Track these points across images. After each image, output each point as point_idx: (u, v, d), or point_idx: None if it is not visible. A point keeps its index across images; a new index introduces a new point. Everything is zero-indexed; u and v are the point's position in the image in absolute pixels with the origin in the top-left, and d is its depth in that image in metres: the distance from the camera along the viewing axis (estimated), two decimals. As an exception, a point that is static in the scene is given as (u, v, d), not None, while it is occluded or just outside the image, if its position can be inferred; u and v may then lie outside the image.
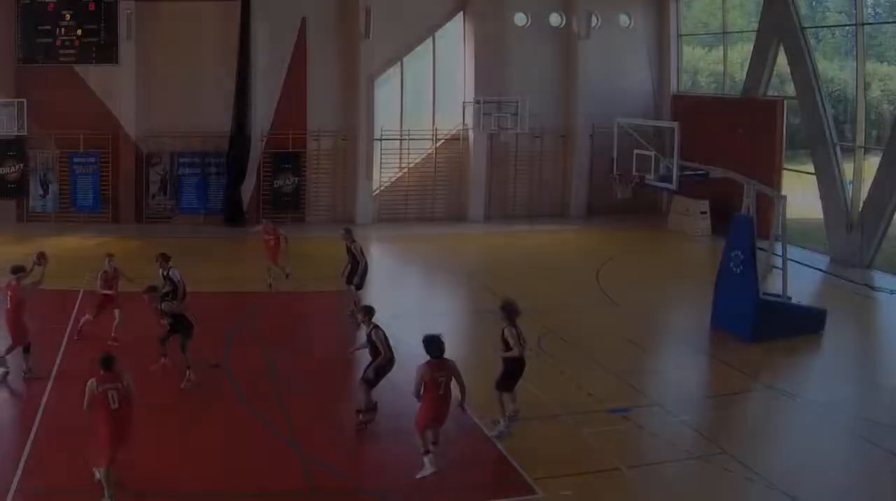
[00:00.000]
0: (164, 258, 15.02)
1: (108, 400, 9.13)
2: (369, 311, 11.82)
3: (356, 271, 16.42)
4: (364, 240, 23.96)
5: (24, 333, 12.98)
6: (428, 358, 10.15)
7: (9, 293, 13.02)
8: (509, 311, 11.28)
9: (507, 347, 11.18)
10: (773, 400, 13.06)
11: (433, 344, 10.19)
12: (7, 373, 12.93)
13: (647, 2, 28.69)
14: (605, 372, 13.99)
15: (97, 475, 9.37)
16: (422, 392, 10.05)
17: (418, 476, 9.97)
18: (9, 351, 13.00)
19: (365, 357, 12.02)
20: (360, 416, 11.62)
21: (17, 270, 13.34)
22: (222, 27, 25.33)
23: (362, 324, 11.82)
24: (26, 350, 13.01)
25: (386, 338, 11.57)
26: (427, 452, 10.05)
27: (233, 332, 15.37)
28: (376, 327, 11.62)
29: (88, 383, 9.19)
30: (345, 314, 16.42)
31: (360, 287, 16.46)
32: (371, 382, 11.59)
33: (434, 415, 10.08)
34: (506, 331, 11.16)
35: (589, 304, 18.04)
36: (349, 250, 16.55)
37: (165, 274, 14.91)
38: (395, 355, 11.63)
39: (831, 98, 23.44)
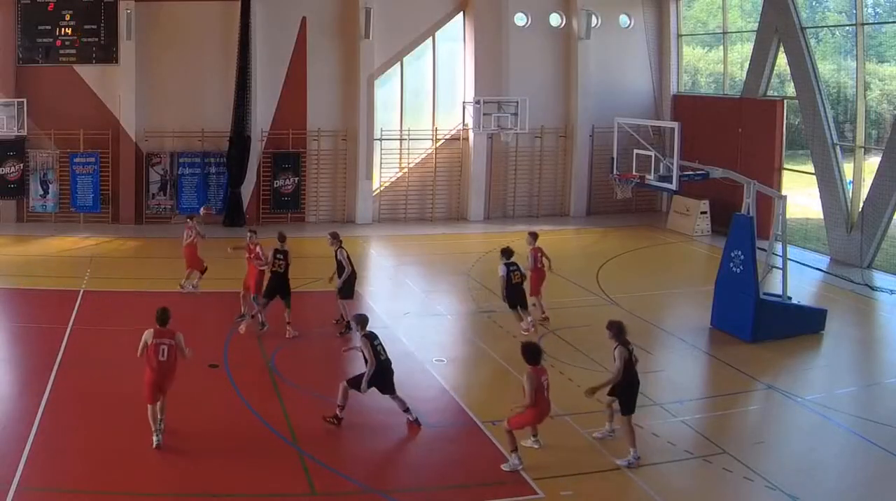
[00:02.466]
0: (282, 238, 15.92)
1: (159, 352, 10.66)
2: (362, 320, 11.85)
3: (341, 279, 15.70)
4: (364, 240, 24.14)
5: (199, 262, 18.09)
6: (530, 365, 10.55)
7: (187, 231, 17.98)
8: (617, 331, 11.11)
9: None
10: (773, 400, 13.06)
11: (535, 352, 10.67)
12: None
13: (647, 2, 28.70)
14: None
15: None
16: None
17: (504, 466, 10.46)
18: (189, 276, 18.08)
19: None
20: (339, 412, 11.60)
21: (193, 216, 18.57)
22: (222, 27, 25.35)
23: (356, 332, 11.88)
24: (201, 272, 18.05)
25: (375, 346, 11.52)
26: (515, 449, 10.50)
27: (233, 332, 15.34)
28: (366, 335, 11.62)
29: (145, 333, 10.79)
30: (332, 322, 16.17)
31: (346, 296, 15.82)
32: (357, 388, 11.52)
33: (541, 416, 10.69)
34: (616, 351, 10.98)
35: (589, 304, 18.03)
36: (336, 256, 15.72)
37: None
38: (389, 358, 11.69)
39: (831, 98, 23.43)
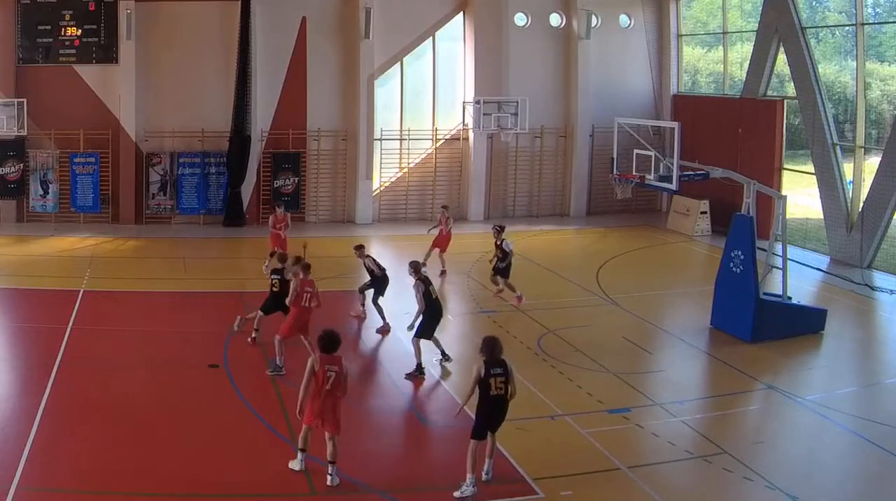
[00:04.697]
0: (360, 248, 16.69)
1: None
2: (416, 265, 13.98)
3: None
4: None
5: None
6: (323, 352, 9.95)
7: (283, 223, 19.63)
8: (492, 349, 9.98)
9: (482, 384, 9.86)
10: (773, 400, 13.05)
11: (330, 340, 9.97)
12: None
13: (647, 2, 28.70)
14: (605, 372, 13.99)
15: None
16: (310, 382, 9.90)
17: (291, 465, 10.19)
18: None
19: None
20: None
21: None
22: (222, 27, 25.34)
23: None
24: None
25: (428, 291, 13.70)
26: (303, 450, 10.16)
27: (233, 332, 15.33)
28: (421, 279, 13.62)
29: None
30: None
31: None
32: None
33: (319, 409, 9.83)
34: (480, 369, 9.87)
35: (589, 304, 18.03)
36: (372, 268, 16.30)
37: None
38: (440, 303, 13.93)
39: (831, 98, 23.43)
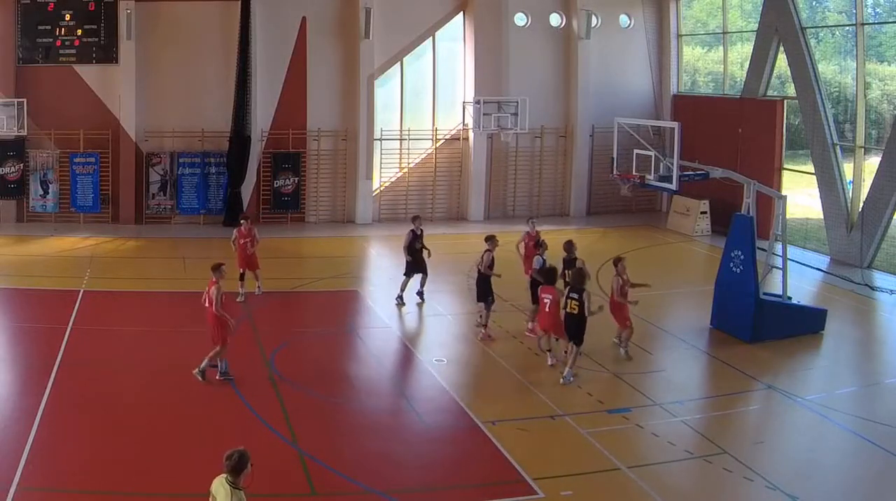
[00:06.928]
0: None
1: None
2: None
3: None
4: (364, 240, 24.16)
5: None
6: None
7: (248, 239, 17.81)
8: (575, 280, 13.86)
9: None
10: (773, 400, 13.06)
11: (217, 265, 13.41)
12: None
13: (647, 2, 28.71)
14: (605, 372, 14.00)
15: None
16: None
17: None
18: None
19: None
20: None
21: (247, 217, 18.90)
22: (222, 27, 25.34)
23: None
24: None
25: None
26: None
27: (232, 332, 15.30)
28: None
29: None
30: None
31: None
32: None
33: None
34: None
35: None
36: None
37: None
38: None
39: (831, 98, 23.43)
